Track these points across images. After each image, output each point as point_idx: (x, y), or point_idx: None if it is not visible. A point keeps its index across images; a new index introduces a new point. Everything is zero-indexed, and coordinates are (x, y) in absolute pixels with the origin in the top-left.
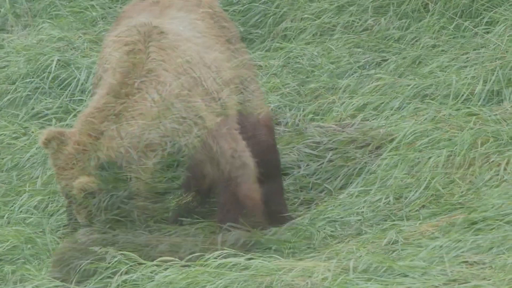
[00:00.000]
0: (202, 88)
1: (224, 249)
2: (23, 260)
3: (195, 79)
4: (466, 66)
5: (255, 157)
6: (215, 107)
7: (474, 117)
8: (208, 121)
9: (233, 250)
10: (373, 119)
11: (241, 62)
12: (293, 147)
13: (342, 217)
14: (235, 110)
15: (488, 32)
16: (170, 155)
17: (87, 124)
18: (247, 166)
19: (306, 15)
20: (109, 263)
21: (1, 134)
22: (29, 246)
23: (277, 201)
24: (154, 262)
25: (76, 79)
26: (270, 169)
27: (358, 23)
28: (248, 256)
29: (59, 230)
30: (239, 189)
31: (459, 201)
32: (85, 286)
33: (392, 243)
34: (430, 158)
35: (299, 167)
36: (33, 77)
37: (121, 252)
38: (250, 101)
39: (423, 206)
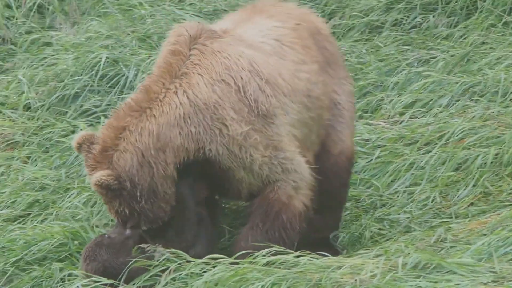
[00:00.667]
0: (238, 96)
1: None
2: (70, 258)
3: (231, 86)
4: None
5: (327, 186)
6: (247, 116)
7: None
8: (233, 130)
9: (281, 248)
10: (421, 117)
11: (331, 88)
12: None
13: (390, 215)
14: (285, 119)
15: None
16: (195, 158)
17: (114, 119)
18: (292, 173)
19: (354, 13)
20: (157, 261)
21: (50, 132)
22: (76, 242)
23: (326, 233)
24: (203, 260)
25: (124, 77)
26: (335, 202)
27: (406, 20)
28: (297, 253)
29: (107, 226)
30: (278, 195)
31: (508, 198)
32: (133, 284)
33: (441, 241)
34: (478, 155)
35: None
36: (81, 75)
37: (169, 250)
38: (342, 130)
39: (472, 204)
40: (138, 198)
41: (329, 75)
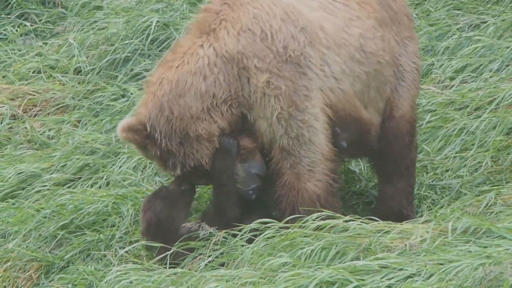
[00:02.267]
0: (265, 43)
1: None
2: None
3: (256, 35)
4: None
5: (388, 150)
6: (273, 63)
7: None
8: (257, 79)
9: (330, 213)
10: (472, 81)
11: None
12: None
13: (441, 180)
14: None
15: None
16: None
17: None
18: (306, 145)
19: None
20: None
21: (100, 96)
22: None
23: (400, 201)
24: (253, 224)
25: (174, 41)
26: (402, 167)
27: None
28: (347, 218)
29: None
30: (290, 179)
31: None
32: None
33: (491, 206)
34: None
35: None
36: (132, 39)
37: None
38: (402, 92)
39: None
40: (162, 141)
41: (391, 33)
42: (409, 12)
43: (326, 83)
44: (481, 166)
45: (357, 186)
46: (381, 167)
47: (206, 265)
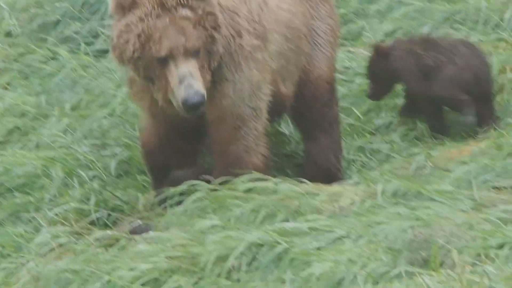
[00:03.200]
0: (246, 6)
1: None
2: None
3: None
4: None
5: (311, 110)
6: (257, 29)
7: (504, 42)
8: (246, 41)
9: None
10: None
11: (307, 12)
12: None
13: (371, 143)
14: (275, 49)
15: None
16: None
17: None
18: (256, 118)
19: None
20: None
21: (30, 58)
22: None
23: (327, 158)
24: (182, 187)
25: (105, 3)
26: (324, 124)
27: None
28: (276, 180)
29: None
30: (238, 149)
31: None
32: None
33: (421, 168)
34: None
35: None
36: (62, 1)
37: None
38: (316, 56)
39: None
40: None
41: (306, 1)
42: None
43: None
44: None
45: (287, 148)
46: (304, 126)
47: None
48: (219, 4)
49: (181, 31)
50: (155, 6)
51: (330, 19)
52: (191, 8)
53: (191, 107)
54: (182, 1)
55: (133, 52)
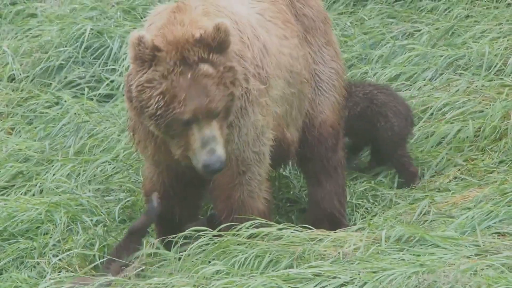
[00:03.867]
0: (250, 51)
1: None
2: (53, 230)
3: (243, 40)
4: (499, 37)
5: (315, 155)
6: (261, 73)
7: (507, 88)
8: (252, 85)
9: (264, 221)
10: (405, 90)
11: (311, 60)
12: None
13: (374, 190)
14: (279, 96)
15: None
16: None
17: (168, 25)
18: (260, 163)
19: None
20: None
21: (34, 103)
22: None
23: (331, 203)
24: (186, 232)
25: (109, 48)
26: (329, 168)
27: None
28: (280, 226)
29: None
30: (242, 195)
31: (491, 172)
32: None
33: (424, 214)
34: (460, 129)
35: None
36: (66, 46)
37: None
38: (320, 100)
39: (455, 178)
40: None
41: (308, 45)
42: (325, 16)
43: (271, 104)
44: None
45: (291, 193)
46: (308, 170)
47: (139, 273)
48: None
49: (204, 92)
50: (177, 62)
51: (335, 63)
52: (212, 64)
53: (211, 172)
54: (203, 57)
55: (156, 110)
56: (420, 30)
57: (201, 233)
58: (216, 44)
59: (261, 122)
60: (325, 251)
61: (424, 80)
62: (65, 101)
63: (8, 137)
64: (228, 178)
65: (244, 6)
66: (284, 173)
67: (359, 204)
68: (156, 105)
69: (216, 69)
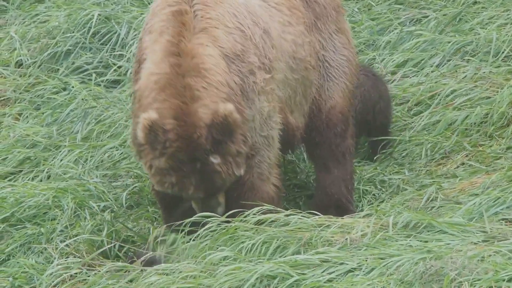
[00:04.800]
0: (252, 43)
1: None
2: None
3: (245, 33)
4: (507, 23)
5: (324, 141)
6: (265, 62)
7: None
8: (259, 77)
9: (271, 207)
10: (413, 76)
11: (319, 46)
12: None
13: (383, 176)
14: (282, 81)
15: None
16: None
17: (158, 91)
18: (269, 147)
19: None
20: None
21: (42, 89)
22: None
23: (339, 189)
24: (193, 218)
25: (116, 34)
26: (337, 154)
27: None
28: (287, 212)
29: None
30: (252, 177)
31: (499, 158)
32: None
33: (432, 200)
34: (468, 116)
35: None
36: (73, 32)
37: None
38: (329, 87)
39: (463, 164)
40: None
41: (318, 32)
42: (338, 3)
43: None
44: (422, 162)
45: (298, 178)
46: (317, 156)
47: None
48: (225, 53)
49: (211, 182)
50: (187, 158)
51: (346, 51)
52: (221, 155)
53: None
54: (212, 150)
55: (164, 187)
56: (427, 16)
57: (208, 218)
58: (224, 137)
59: (267, 108)
60: (332, 237)
61: (432, 66)
62: (73, 87)
63: (15, 123)
64: None
65: None
66: (290, 157)
67: (366, 190)
68: (166, 186)
69: (225, 159)
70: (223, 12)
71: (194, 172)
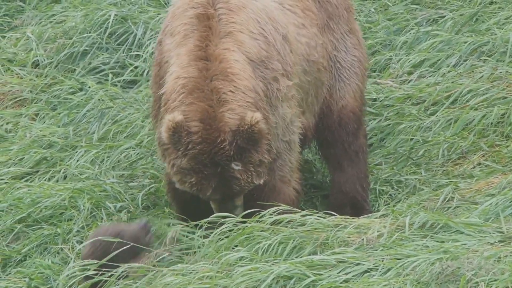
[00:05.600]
0: (275, 49)
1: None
2: (76, 216)
3: (268, 39)
4: None
5: (337, 140)
6: (287, 69)
7: None
8: (282, 84)
9: (287, 207)
10: (429, 76)
11: (331, 47)
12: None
13: (399, 176)
14: (301, 82)
15: None
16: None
17: (186, 94)
18: (291, 151)
19: None
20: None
21: (58, 89)
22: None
23: (354, 187)
24: (210, 218)
25: (133, 34)
26: (350, 153)
27: None
28: (304, 212)
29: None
30: (274, 180)
31: None
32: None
33: (448, 201)
34: (484, 115)
35: None
36: (90, 32)
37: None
38: (340, 87)
39: (479, 164)
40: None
41: (330, 33)
42: (349, 4)
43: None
44: (438, 162)
45: (314, 178)
46: (330, 155)
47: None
48: (251, 59)
49: (230, 187)
50: (208, 162)
51: (357, 51)
52: (242, 162)
53: None
54: (234, 157)
55: (184, 185)
56: (444, 16)
57: (224, 219)
58: (248, 145)
59: (290, 114)
60: (349, 237)
61: (448, 66)
62: (89, 87)
63: (32, 123)
64: None
65: None
66: (307, 157)
67: (382, 190)
68: (186, 185)
69: (246, 167)
70: (247, 17)
71: (214, 175)
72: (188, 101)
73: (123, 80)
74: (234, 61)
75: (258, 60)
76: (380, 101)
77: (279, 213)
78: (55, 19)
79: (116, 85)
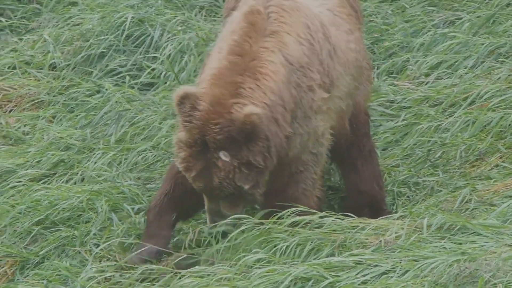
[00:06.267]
0: (318, 59)
1: None
2: (94, 218)
3: (314, 47)
4: None
5: (352, 141)
6: (326, 82)
7: None
8: (317, 95)
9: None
10: (447, 78)
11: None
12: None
13: (417, 178)
14: (342, 92)
15: None
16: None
17: (216, 79)
18: (317, 164)
19: None
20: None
21: (75, 92)
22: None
23: (371, 185)
24: (228, 220)
25: (150, 37)
26: (365, 153)
27: None
28: (322, 214)
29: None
30: (297, 192)
31: None
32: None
33: (466, 202)
34: (503, 117)
35: (373, 126)
36: (107, 35)
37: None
38: (359, 89)
39: (497, 165)
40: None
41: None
42: (359, 5)
43: (335, 104)
44: (456, 163)
45: (332, 179)
46: (345, 157)
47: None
48: (290, 62)
49: (211, 178)
50: (199, 141)
51: (366, 52)
52: (230, 154)
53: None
54: (224, 145)
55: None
56: (461, 18)
57: (242, 221)
58: (240, 138)
59: (322, 128)
60: (367, 239)
61: (466, 68)
62: (106, 89)
63: (49, 126)
64: (284, 177)
65: (315, 1)
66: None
67: (400, 192)
68: (178, 160)
69: (232, 161)
70: (298, 20)
71: (202, 157)
72: (208, 86)
73: (140, 82)
74: (268, 61)
75: (297, 65)
76: (398, 103)
77: (297, 215)
78: (72, 21)
79: (133, 88)
